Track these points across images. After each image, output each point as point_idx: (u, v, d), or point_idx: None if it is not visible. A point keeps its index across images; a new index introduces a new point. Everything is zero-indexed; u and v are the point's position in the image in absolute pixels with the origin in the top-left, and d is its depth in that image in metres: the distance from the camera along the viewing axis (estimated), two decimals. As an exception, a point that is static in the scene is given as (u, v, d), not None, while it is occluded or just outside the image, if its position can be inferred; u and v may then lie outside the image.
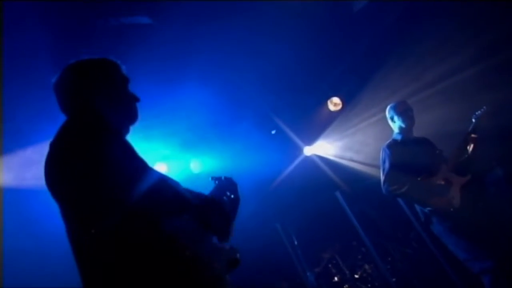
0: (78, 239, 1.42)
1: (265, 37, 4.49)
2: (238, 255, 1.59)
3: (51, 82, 1.67)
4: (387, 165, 3.60)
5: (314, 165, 6.38)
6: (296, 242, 5.55)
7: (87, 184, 1.35)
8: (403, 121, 3.72)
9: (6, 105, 3.61)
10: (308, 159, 6.48)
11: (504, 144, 4.43)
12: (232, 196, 1.96)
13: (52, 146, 1.47)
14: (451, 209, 3.34)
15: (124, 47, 3.67)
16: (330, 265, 5.58)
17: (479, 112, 3.60)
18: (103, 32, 3.60)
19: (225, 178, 2.05)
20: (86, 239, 1.37)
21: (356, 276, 5.46)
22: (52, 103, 1.71)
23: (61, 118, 1.63)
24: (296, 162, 6.42)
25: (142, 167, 1.50)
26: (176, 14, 3.84)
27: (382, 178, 3.63)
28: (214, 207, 1.60)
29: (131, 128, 1.73)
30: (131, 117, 1.70)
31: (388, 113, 3.86)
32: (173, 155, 5.65)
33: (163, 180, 1.55)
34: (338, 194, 5.63)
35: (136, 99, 1.73)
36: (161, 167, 5.57)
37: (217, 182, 2.05)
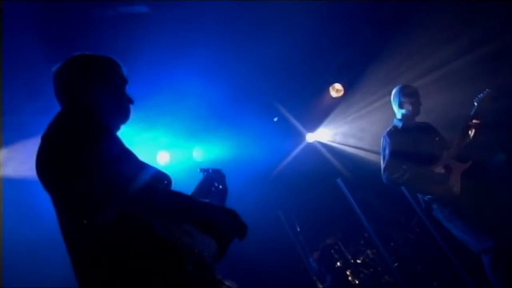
0: (69, 231, 1.45)
1: (267, 25, 4.48)
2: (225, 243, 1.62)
3: (51, 71, 1.69)
4: (387, 153, 3.57)
5: (316, 152, 6.38)
6: (298, 229, 5.58)
7: (76, 177, 1.37)
8: (410, 104, 3.64)
9: (14, 99, 3.64)
10: (310, 146, 6.48)
11: (506, 128, 4.41)
12: (220, 186, 2.00)
13: (43, 139, 1.49)
14: (452, 197, 3.34)
15: (124, 37, 3.67)
16: (332, 251, 5.62)
17: (481, 95, 3.53)
18: (103, 21, 3.58)
19: (213, 170, 2.10)
20: (77, 231, 1.41)
21: (359, 261, 5.51)
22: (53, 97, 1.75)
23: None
24: (298, 149, 6.43)
25: (133, 161, 1.52)
26: (177, 4, 3.82)
27: (382, 166, 3.60)
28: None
29: (122, 126, 1.76)
30: (123, 117, 1.73)
31: (394, 96, 3.76)
32: (176, 143, 5.66)
33: (154, 175, 1.58)
34: (339, 181, 5.64)
35: (130, 101, 1.75)
36: (164, 155, 5.59)
37: (205, 173, 2.09)
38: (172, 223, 1.47)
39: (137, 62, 3.95)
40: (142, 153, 4.98)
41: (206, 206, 1.54)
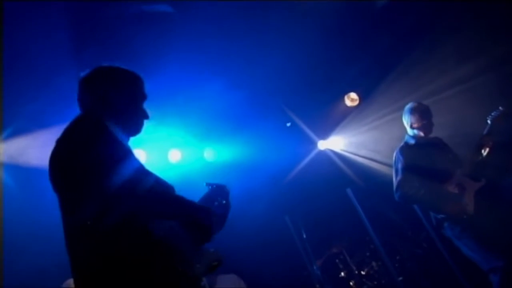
0: (72, 232, 1.52)
1: (287, 32, 4.51)
2: (219, 258, 1.69)
3: (79, 76, 1.80)
4: (400, 170, 3.54)
5: (328, 160, 6.36)
6: (304, 236, 5.56)
7: (83, 181, 1.45)
8: (422, 125, 3.63)
9: (31, 87, 3.72)
10: (321, 154, 6.46)
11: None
12: (224, 202, 2.05)
13: (57, 143, 1.59)
14: (465, 217, 3.31)
15: (146, 35, 3.74)
16: (337, 260, 5.59)
17: (494, 113, 3.50)
18: (124, 20, 3.64)
19: (217, 186, 2.15)
20: (80, 232, 1.47)
21: (363, 272, 5.46)
22: (70, 90, 1.84)
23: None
24: (310, 156, 6.41)
25: (138, 169, 1.59)
26: (197, 7, 3.86)
27: (394, 183, 3.56)
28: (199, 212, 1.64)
29: (131, 139, 1.85)
30: (135, 131, 1.82)
31: (405, 115, 3.75)
32: (188, 142, 5.70)
33: (157, 183, 1.66)
34: (349, 191, 5.61)
35: (146, 117, 1.85)
36: (175, 153, 5.63)
37: (209, 187, 2.14)
38: (169, 229, 1.53)
39: (158, 61, 4.05)
40: (154, 150, 5.03)
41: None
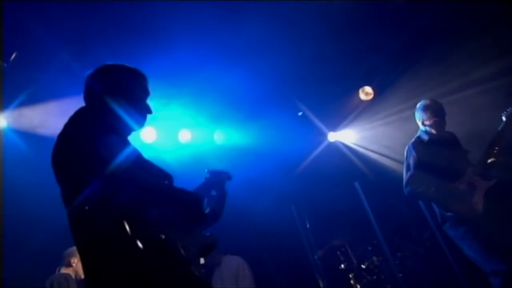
0: (73, 221, 1.58)
1: (306, 23, 4.48)
2: (214, 242, 1.76)
3: (85, 74, 1.89)
4: (411, 165, 3.50)
5: (337, 152, 6.34)
6: (308, 225, 5.59)
7: (80, 173, 1.52)
8: (434, 123, 3.58)
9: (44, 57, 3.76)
10: (332, 145, 6.43)
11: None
12: (220, 191, 2.16)
13: (58, 137, 1.66)
14: (474, 216, 3.28)
15: (159, 17, 3.74)
16: (338, 252, 5.62)
17: (510, 109, 3.44)
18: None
19: (217, 173, 2.24)
20: (80, 220, 1.54)
21: (363, 266, 5.49)
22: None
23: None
24: (320, 147, 6.39)
25: (135, 161, 1.65)
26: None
27: (405, 178, 3.53)
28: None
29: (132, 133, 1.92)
30: (137, 125, 1.89)
31: (417, 112, 3.70)
32: (199, 123, 5.71)
33: (153, 173, 1.73)
34: (357, 184, 5.59)
35: (149, 112, 1.93)
36: (185, 134, 5.65)
37: (207, 176, 2.23)
38: (161, 216, 1.57)
39: (176, 40, 4.05)
40: (164, 129, 5.05)
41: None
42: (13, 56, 3.65)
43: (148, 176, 1.64)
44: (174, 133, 5.59)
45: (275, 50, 4.78)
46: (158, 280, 1.42)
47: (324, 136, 6.42)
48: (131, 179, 1.50)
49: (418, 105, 3.71)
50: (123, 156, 1.54)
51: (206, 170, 2.24)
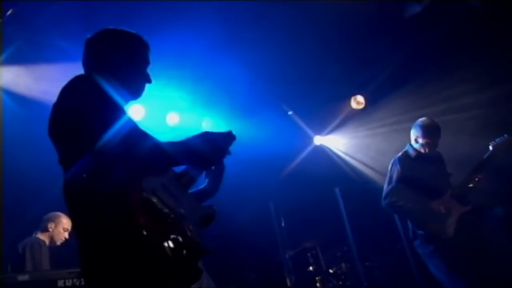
0: (68, 185, 1.52)
1: (307, 27, 4.55)
2: (213, 213, 1.71)
3: (85, 38, 1.82)
4: (394, 179, 3.57)
5: (323, 156, 6.39)
6: (283, 224, 5.62)
7: (76, 140, 1.49)
8: (426, 143, 3.63)
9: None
10: (317, 149, 6.48)
11: (508, 184, 4.39)
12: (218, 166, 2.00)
13: (53, 107, 1.61)
14: (444, 237, 3.36)
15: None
16: (309, 254, 5.66)
17: (498, 140, 3.54)
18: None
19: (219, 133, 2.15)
20: (74, 185, 1.48)
21: (331, 271, 5.55)
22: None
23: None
24: (306, 148, 6.43)
25: (132, 128, 1.59)
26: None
27: (386, 189, 3.60)
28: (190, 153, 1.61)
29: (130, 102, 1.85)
30: (135, 94, 1.82)
31: (413, 128, 3.74)
32: (190, 108, 5.67)
33: (150, 137, 1.64)
34: (337, 190, 5.64)
35: (148, 81, 1.84)
36: (173, 116, 5.61)
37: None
38: (160, 186, 1.52)
39: (172, 24, 4.02)
40: (153, 109, 5.00)
41: (183, 145, 1.59)
42: (9, 12, 3.56)
43: (144, 144, 1.56)
44: (162, 115, 5.54)
45: (271, 47, 4.81)
46: (155, 247, 1.39)
47: (310, 138, 6.46)
48: (127, 151, 1.45)
49: (417, 121, 3.75)
50: (118, 127, 1.49)
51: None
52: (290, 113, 6.31)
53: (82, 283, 3.13)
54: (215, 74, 5.01)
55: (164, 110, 5.56)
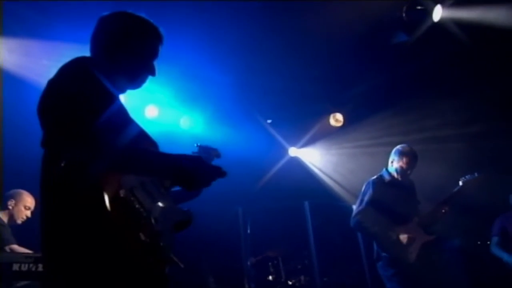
0: (46, 169, 1.50)
1: (294, 43, 4.65)
2: (189, 219, 1.68)
3: (100, 15, 1.74)
4: (366, 200, 3.68)
5: (296, 168, 6.45)
6: (249, 231, 5.63)
7: (64, 122, 1.41)
8: (400, 168, 3.76)
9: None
10: (293, 160, 6.54)
11: (470, 218, 4.59)
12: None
13: (48, 83, 1.54)
14: (405, 263, 3.47)
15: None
16: (270, 263, 5.69)
17: (469, 176, 3.70)
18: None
19: (206, 148, 2.16)
20: (52, 170, 1.45)
21: (290, 282, 5.60)
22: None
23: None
24: (281, 158, 6.48)
25: (122, 119, 1.58)
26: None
27: (356, 209, 3.72)
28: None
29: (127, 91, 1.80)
30: (135, 84, 1.77)
31: (393, 152, 3.86)
32: (169, 103, 5.61)
33: (139, 137, 1.64)
34: (306, 204, 5.72)
35: (152, 73, 1.79)
36: (152, 109, 5.53)
37: (196, 150, 2.14)
38: (139, 185, 1.50)
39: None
40: (132, 99, 4.87)
41: (175, 158, 1.57)
42: None
43: (131, 143, 1.54)
44: (142, 106, 5.46)
45: (257, 58, 4.87)
46: (122, 245, 1.36)
47: (286, 149, 6.52)
48: (111, 144, 1.41)
49: (397, 147, 3.88)
50: (108, 118, 1.44)
51: (196, 144, 2.14)
52: (269, 121, 6.35)
53: (39, 269, 3.02)
54: (200, 75, 5.02)
55: (144, 102, 5.47)
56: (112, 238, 1.35)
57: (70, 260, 1.37)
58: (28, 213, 3.93)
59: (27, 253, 3.30)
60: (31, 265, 3.02)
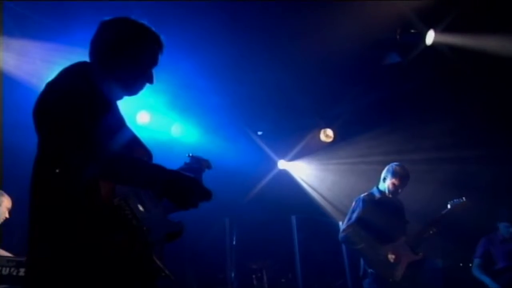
0: (39, 176, 1.48)
1: (288, 59, 4.72)
2: (180, 230, 1.67)
3: (102, 20, 1.74)
4: (354, 216, 3.73)
5: (286, 182, 6.47)
6: (234, 242, 5.62)
7: (61, 128, 1.41)
8: (392, 186, 3.81)
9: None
10: (282, 173, 6.56)
11: (452, 240, 4.66)
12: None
13: (46, 85, 1.54)
14: (390, 280, 3.51)
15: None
16: (254, 276, 5.66)
17: (457, 200, 3.79)
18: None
19: (196, 159, 2.12)
20: (46, 177, 1.45)
21: (273, 295, 5.58)
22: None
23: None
24: (271, 171, 6.50)
25: (118, 127, 1.58)
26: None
27: (344, 224, 3.77)
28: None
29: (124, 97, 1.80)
30: (132, 92, 1.77)
31: (387, 170, 3.90)
32: (161, 110, 5.61)
33: (134, 146, 1.63)
34: (293, 218, 5.73)
35: (150, 81, 1.78)
36: (144, 116, 5.52)
37: (188, 161, 2.11)
38: (133, 194, 1.49)
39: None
40: (124, 104, 4.90)
41: (171, 174, 1.56)
42: None
43: (126, 151, 1.54)
44: (134, 111, 5.45)
45: (249, 70, 4.92)
46: (115, 255, 1.36)
47: (275, 162, 6.54)
48: (104, 153, 1.41)
49: (391, 165, 3.93)
50: (106, 125, 1.45)
51: (188, 155, 2.12)
52: (259, 133, 6.37)
53: (20, 273, 2.96)
54: (193, 85, 5.04)
55: (136, 108, 5.46)
56: (105, 247, 1.35)
57: (59, 267, 1.36)
58: (7, 213, 3.89)
59: (9, 256, 3.24)
60: (12, 269, 2.97)
